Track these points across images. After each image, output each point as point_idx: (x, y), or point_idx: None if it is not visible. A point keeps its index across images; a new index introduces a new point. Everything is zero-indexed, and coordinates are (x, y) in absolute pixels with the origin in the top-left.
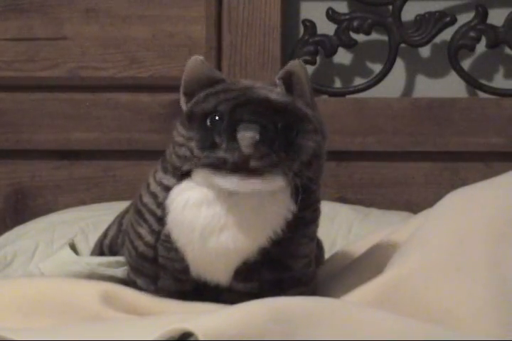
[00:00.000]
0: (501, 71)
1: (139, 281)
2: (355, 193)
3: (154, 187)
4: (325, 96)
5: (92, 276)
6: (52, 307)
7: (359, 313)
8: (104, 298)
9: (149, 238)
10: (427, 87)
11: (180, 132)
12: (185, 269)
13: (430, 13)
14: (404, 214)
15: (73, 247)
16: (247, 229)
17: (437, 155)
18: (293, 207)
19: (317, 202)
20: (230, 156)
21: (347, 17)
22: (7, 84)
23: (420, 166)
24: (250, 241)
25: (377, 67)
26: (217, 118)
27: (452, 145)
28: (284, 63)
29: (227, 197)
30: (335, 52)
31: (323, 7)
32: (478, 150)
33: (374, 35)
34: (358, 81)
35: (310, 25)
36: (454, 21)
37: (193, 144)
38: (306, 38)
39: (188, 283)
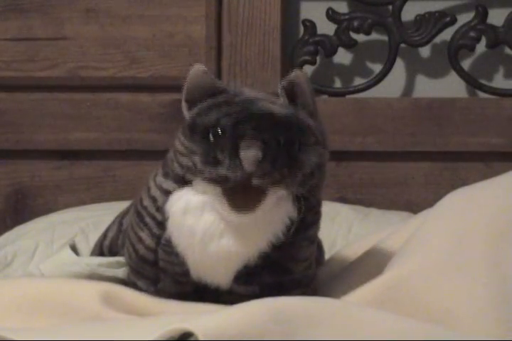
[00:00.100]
0: (501, 71)
1: (139, 283)
2: (355, 193)
3: (154, 191)
4: (325, 96)
5: (92, 277)
6: (52, 307)
7: (359, 313)
8: (104, 298)
9: (150, 241)
10: (427, 87)
11: (182, 142)
12: (186, 273)
13: (430, 13)
14: (404, 214)
15: (73, 248)
16: (248, 234)
17: (437, 155)
18: (294, 213)
19: (318, 205)
20: (232, 174)
21: (347, 17)
22: (7, 84)
23: (420, 166)
24: (251, 246)
25: (377, 67)
26: (219, 132)
27: (452, 145)
28: (284, 63)
29: None
30: (335, 52)
31: (323, 7)
32: (478, 150)
33: (374, 35)
34: (358, 81)
35: (310, 25)
36: (454, 21)
37: (196, 158)
38: (306, 38)
39: (189, 285)
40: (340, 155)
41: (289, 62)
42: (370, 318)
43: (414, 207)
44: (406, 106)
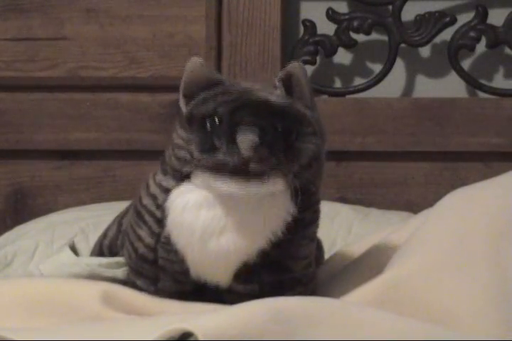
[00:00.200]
0: (501, 71)
1: (139, 282)
2: (355, 193)
3: (154, 189)
4: (325, 97)
5: (92, 277)
6: (52, 307)
7: (359, 313)
8: (104, 298)
9: (149, 240)
10: (427, 87)
11: (179, 134)
12: (185, 271)
13: (430, 13)
14: (404, 214)
15: (73, 248)
16: (247, 231)
17: (437, 155)
18: (292, 209)
19: (317, 203)
20: (230, 159)
21: (347, 17)
22: (7, 84)
23: (420, 166)
24: (250, 243)
25: (377, 67)
26: (216, 120)
27: (452, 146)
28: (284, 63)
29: (227, 199)
30: (335, 52)
31: (323, 7)
32: (478, 150)
33: (374, 35)
34: (358, 81)
35: (310, 25)
36: (454, 21)
37: (192, 147)
38: (306, 38)
39: (188, 284)
40: (340, 155)
41: (289, 62)
42: (370, 318)
43: (414, 207)
44: (406, 106)
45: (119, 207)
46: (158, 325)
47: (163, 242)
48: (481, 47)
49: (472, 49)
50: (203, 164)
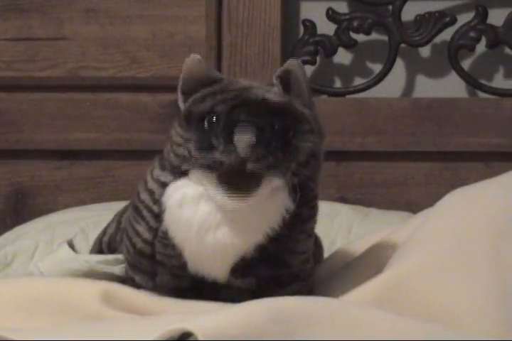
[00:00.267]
0: (501, 71)
1: (137, 278)
2: (355, 193)
3: (151, 184)
4: (325, 96)
5: (91, 274)
6: (52, 306)
7: (358, 313)
8: (103, 297)
9: (147, 235)
10: (427, 87)
11: (178, 132)
12: (183, 265)
13: (430, 13)
14: (404, 214)
15: (71, 246)
16: (244, 226)
17: (437, 155)
18: (290, 205)
19: (315, 198)
20: (227, 159)
21: (347, 17)
22: (7, 84)
23: (420, 166)
24: (247, 238)
25: (377, 67)
26: (214, 119)
27: (452, 145)
28: (284, 63)
29: None
30: (335, 52)
31: (323, 7)
32: (478, 150)
33: (374, 35)
34: (358, 81)
35: (310, 25)
36: (454, 21)
37: (190, 145)
38: (306, 38)
39: (186, 279)
40: (340, 155)
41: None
42: (369, 318)
43: (414, 207)
44: (406, 106)
45: (119, 207)
46: (158, 325)
47: (160, 237)
48: (481, 47)
49: (472, 49)
50: (200, 162)
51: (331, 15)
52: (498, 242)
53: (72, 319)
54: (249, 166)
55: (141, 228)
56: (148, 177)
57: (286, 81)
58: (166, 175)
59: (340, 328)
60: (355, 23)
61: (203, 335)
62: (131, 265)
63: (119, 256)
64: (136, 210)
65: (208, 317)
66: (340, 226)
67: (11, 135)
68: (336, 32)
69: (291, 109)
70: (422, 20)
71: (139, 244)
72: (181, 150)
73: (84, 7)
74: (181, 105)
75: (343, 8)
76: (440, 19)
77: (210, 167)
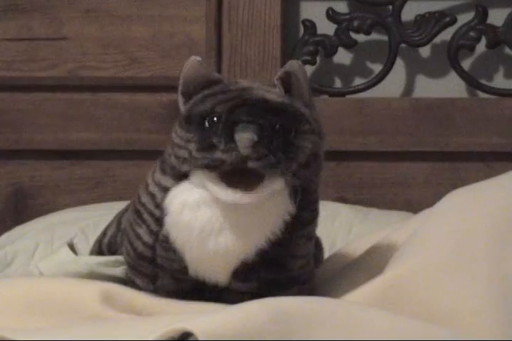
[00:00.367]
0: (501, 71)
1: (138, 281)
2: (355, 193)
3: (152, 188)
4: (325, 96)
5: (91, 276)
6: (52, 307)
7: (358, 313)
8: (104, 297)
9: (148, 238)
10: (427, 87)
11: (178, 134)
12: (184, 269)
13: (430, 13)
14: (404, 214)
15: (71, 247)
16: (245, 230)
17: (437, 155)
18: (291, 208)
19: (315, 202)
20: (228, 157)
21: (347, 17)
22: (7, 84)
23: (420, 166)
24: (248, 242)
25: (377, 67)
26: (215, 119)
27: (452, 145)
28: (284, 63)
29: None
30: (335, 52)
31: (323, 7)
32: (478, 150)
33: (374, 35)
34: (358, 81)
35: (310, 25)
36: (454, 21)
37: (191, 146)
38: (306, 38)
39: (187, 282)
40: (341, 155)
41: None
42: (370, 318)
43: (414, 207)
44: (406, 106)
45: (119, 207)
46: (158, 325)
47: (161, 240)
48: (481, 47)
49: (472, 49)
50: (202, 163)
51: (331, 15)
52: (498, 242)
53: (72, 319)
54: (251, 165)
55: (142, 231)
56: (150, 180)
57: (287, 82)
58: (167, 179)
59: (340, 328)
60: (355, 23)
61: (203, 335)
62: (132, 268)
63: (120, 258)
64: (137, 213)
65: (208, 317)
66: (340, 227)
67: (11, 135)
68: (336, 32)
69: (291, 109)
70: (422, 20)
71: (140, 248)
72: (182, 152)
73: (84, 7)
74: (181, 107)
75: (343, 8)
76: (440, 19)
77: (212, 166)
